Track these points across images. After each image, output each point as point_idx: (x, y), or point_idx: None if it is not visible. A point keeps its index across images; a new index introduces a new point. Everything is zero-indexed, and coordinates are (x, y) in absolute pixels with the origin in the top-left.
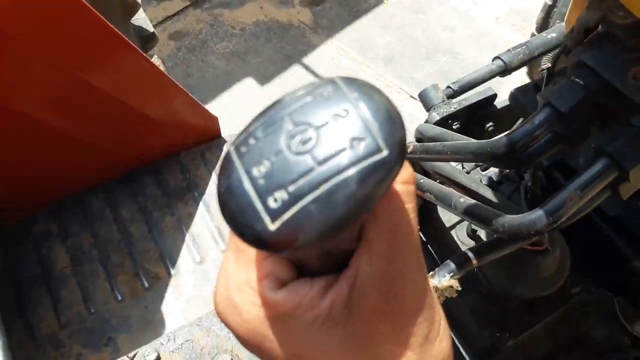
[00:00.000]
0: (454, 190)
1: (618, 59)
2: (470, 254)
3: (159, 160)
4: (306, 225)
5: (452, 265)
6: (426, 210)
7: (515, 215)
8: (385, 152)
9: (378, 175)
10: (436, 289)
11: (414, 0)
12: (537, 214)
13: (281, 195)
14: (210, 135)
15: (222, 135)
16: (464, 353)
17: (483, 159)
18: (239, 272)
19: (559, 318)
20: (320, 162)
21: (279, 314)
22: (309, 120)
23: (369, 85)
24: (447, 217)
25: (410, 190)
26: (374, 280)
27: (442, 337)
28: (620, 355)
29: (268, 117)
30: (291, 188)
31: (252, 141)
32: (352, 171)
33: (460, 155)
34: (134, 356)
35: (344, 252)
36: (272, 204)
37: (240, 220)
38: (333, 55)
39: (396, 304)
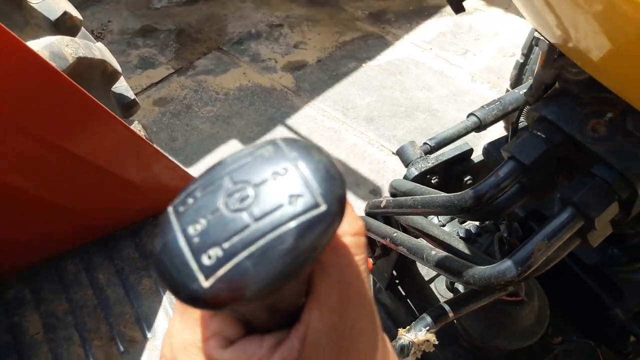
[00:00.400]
0: (427, 243)
1: (576, 112)
2: (447, 307)
3: (137, 222)
4: (241, 282)
5: (429, 319)
6: (405, 264)
7: (484, 267)
8: (323, 207)
9: (316, 231)
10: (412, 343)
11: (391, 63)
12: (506, 264)
13: (215, 252)
14: None
15: None
16: None
17: (451, 211)
18: (185, 332)
19: None
20: (257, 219)
21: None
22: (248, 178)
23: (310, 145)
24: (426, 271)
25: (360, 242)
26: (325, 335)
27: None
28: None
29: (208, 177)
30: (226, 245)
31: (190, 201)
32: (289, 227)
33: (429, 209)
34: None
35: (293, 306)
36: (206, 261)
37: (174, 278)
38: (316, 117)
39: (348, 358)
